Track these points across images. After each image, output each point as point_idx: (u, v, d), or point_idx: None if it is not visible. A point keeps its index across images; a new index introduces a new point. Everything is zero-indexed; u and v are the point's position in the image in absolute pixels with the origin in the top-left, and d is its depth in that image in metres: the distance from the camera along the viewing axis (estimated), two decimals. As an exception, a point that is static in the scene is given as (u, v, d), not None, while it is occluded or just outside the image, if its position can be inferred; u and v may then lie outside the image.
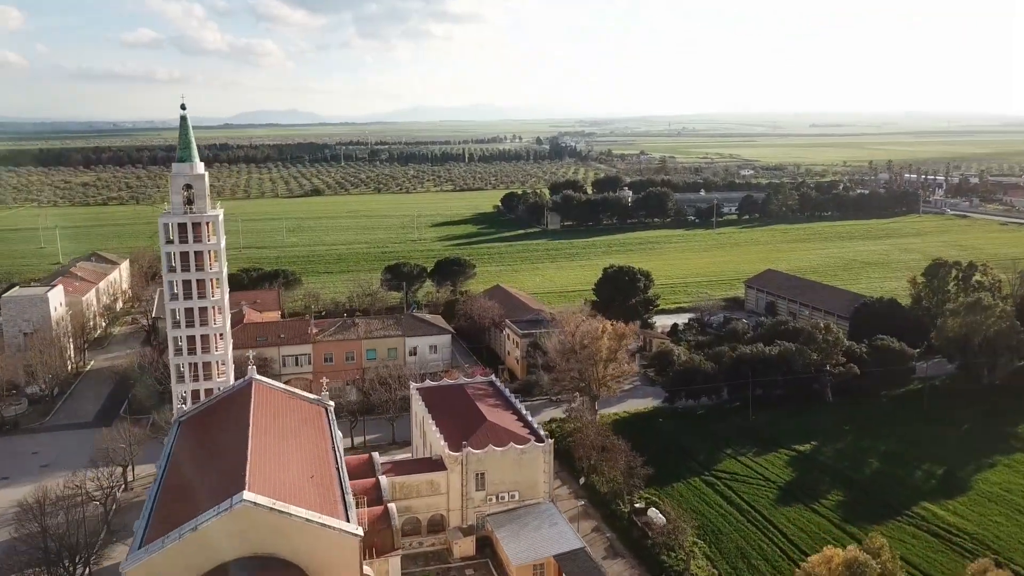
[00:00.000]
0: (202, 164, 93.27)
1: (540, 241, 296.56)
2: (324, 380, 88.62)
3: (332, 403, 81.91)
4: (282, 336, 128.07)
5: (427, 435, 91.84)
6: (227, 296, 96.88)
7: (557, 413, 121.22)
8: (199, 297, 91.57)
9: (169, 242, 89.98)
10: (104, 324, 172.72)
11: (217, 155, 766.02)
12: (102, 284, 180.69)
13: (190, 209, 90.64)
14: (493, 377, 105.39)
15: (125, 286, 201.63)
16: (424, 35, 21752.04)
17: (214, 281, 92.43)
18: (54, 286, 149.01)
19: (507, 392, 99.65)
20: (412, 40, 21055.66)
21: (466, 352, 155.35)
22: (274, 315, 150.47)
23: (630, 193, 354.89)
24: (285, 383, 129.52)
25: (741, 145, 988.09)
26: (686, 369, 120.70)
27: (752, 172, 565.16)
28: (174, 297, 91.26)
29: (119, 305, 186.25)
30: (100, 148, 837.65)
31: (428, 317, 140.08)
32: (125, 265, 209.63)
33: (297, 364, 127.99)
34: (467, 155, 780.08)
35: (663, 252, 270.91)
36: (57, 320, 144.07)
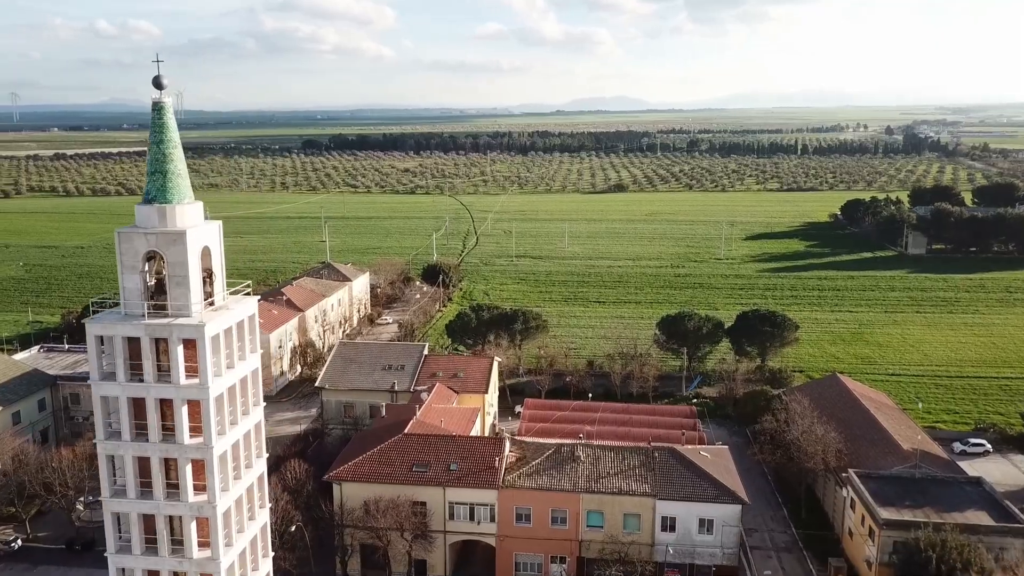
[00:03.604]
0: (199, 207, 42.65)
1: (896, 273, 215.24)
2: None
3: None
4: (451, 467, 76.59)
5: None
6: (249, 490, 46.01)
7: None
8: (166, 496, 41.96)
9: (107, 376, 41.60)
10: (301, 366, 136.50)
11: (535, 143, 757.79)
12: (311, 311, 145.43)
13: (154, 307, 41.57)
14: None
15: (352, 309, 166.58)
16: (760, 18, 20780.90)
17: (194, 464, 42.26)
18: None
19: None
20: (746, 24, 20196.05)
21: (771, 500, 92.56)
22: (477, 401, 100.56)
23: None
24: (452, 546, 79.67)
25: None
26: None
27: None
28: (116, 492, 42.83)
29: (334, 338, 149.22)
30: (431, 134, 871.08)
31: (708, 460, 78.82)
32: (361, 280, 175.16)
33: (472, 519, 76.00)
34: (800, 146, 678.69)
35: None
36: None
